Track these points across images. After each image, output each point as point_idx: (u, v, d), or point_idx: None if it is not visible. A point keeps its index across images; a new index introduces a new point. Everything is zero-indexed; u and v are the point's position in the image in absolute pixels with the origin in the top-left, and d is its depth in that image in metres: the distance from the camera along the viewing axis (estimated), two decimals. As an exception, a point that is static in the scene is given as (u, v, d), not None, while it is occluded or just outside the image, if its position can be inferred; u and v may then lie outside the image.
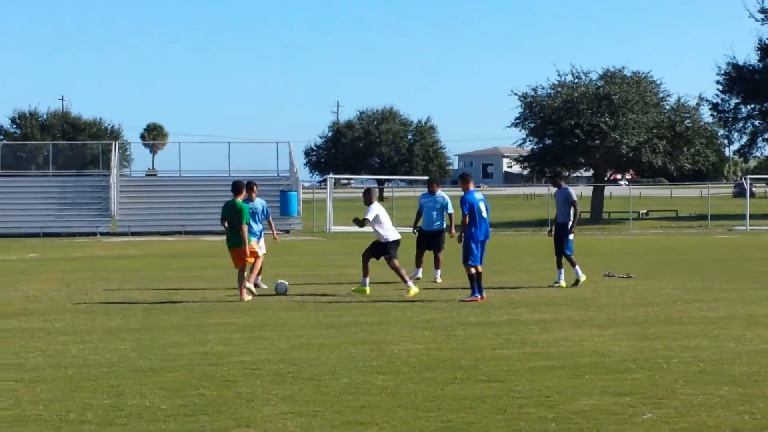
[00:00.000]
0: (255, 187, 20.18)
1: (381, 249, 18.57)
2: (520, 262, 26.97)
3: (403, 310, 16.17)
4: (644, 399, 9.05)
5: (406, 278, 18.39)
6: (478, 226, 17.54)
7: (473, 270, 17.40)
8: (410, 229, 22.82)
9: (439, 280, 20.86)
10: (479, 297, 17.33)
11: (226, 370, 10.75)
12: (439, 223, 21.49)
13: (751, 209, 53.10)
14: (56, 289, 20.76)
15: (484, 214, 17.68)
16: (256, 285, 20.05)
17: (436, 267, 21.32)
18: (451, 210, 21.46)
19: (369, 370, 10.65)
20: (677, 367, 10.66)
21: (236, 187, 18.47)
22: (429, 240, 21.44)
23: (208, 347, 12.42)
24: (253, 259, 18.62)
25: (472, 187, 18.00)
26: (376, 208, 18.47)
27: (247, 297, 17.83)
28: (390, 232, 18.58)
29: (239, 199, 18.24)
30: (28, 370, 11.00)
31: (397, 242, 18.59)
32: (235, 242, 18.07)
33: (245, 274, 18.18)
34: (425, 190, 22.00)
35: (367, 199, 18.63)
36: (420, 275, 21.14)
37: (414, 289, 18.22)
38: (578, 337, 12.97)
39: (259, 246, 19.70)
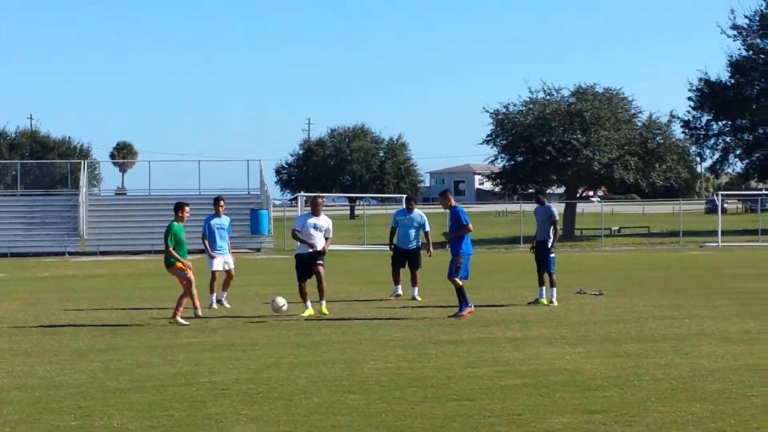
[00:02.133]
0: (222, 203, 20.12)
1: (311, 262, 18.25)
2: (493, 280, 26.94)
3: (374, 328, 16.10)
4: (616, 417, 9.01)
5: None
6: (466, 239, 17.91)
7: (460, 282, 17.58)
8: (383, 247, 22.87)
9: (418, 298, 20.79)
10: (471, 308, 17.59)
11: (195, 391, 10.64)
12: (416, 241, 21.52)
13: (723, 225, 53.44)
14: (23, 309, 20.57)
15: None
16: (219, 302, 19.93)
17: (414, 284, 21.27)
18: (428, 228, 21.52)
19: (340, 390, 10.57)
20: (649, 384, 10.64)
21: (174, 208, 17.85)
22: (406, 258, 21.43)
23: (177, 367, 12.30)
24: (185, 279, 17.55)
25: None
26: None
27: (183, 320, 17.20)
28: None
29: (176, 221, 17.53)
30: (-7, 392, 10.85)
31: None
32: (166, 264, 17.57)
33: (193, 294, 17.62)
34: (399, 207, 22.00)
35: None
36: (400, 292, 21.19)
37: (309, 310, 18.04)
38: (550, 354, 12.93)
39: (227, 261, 19.84)
